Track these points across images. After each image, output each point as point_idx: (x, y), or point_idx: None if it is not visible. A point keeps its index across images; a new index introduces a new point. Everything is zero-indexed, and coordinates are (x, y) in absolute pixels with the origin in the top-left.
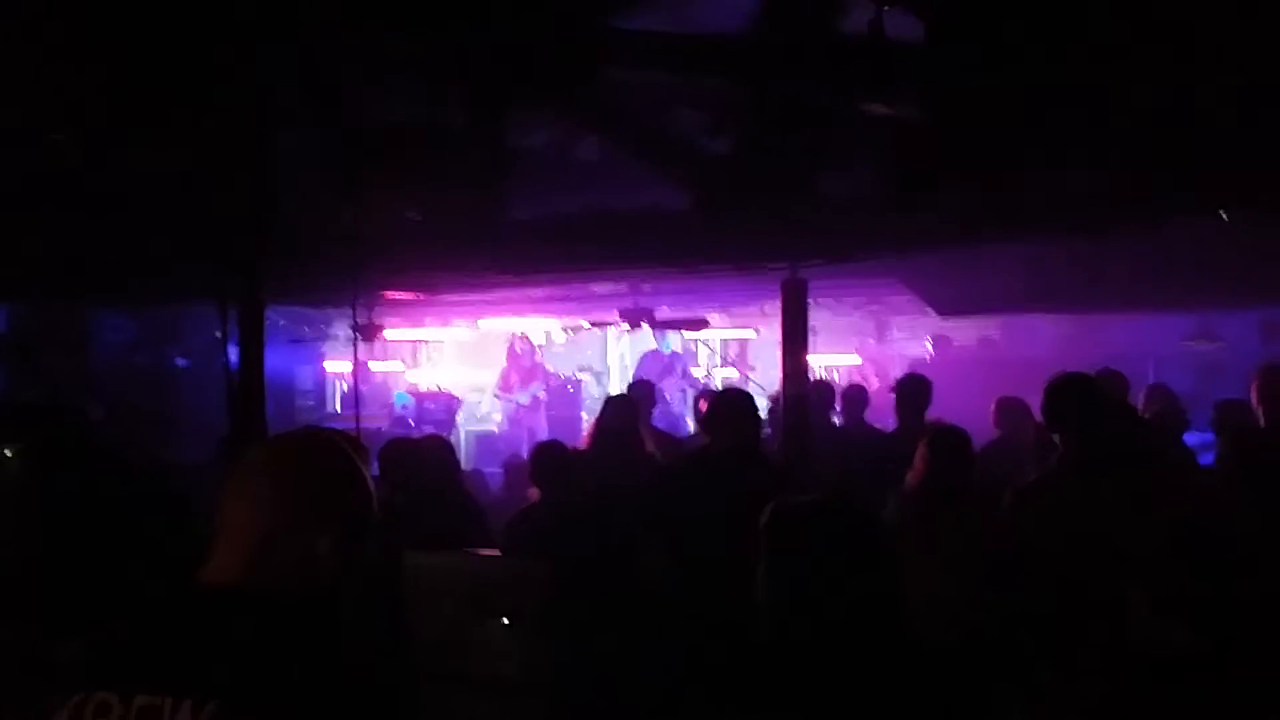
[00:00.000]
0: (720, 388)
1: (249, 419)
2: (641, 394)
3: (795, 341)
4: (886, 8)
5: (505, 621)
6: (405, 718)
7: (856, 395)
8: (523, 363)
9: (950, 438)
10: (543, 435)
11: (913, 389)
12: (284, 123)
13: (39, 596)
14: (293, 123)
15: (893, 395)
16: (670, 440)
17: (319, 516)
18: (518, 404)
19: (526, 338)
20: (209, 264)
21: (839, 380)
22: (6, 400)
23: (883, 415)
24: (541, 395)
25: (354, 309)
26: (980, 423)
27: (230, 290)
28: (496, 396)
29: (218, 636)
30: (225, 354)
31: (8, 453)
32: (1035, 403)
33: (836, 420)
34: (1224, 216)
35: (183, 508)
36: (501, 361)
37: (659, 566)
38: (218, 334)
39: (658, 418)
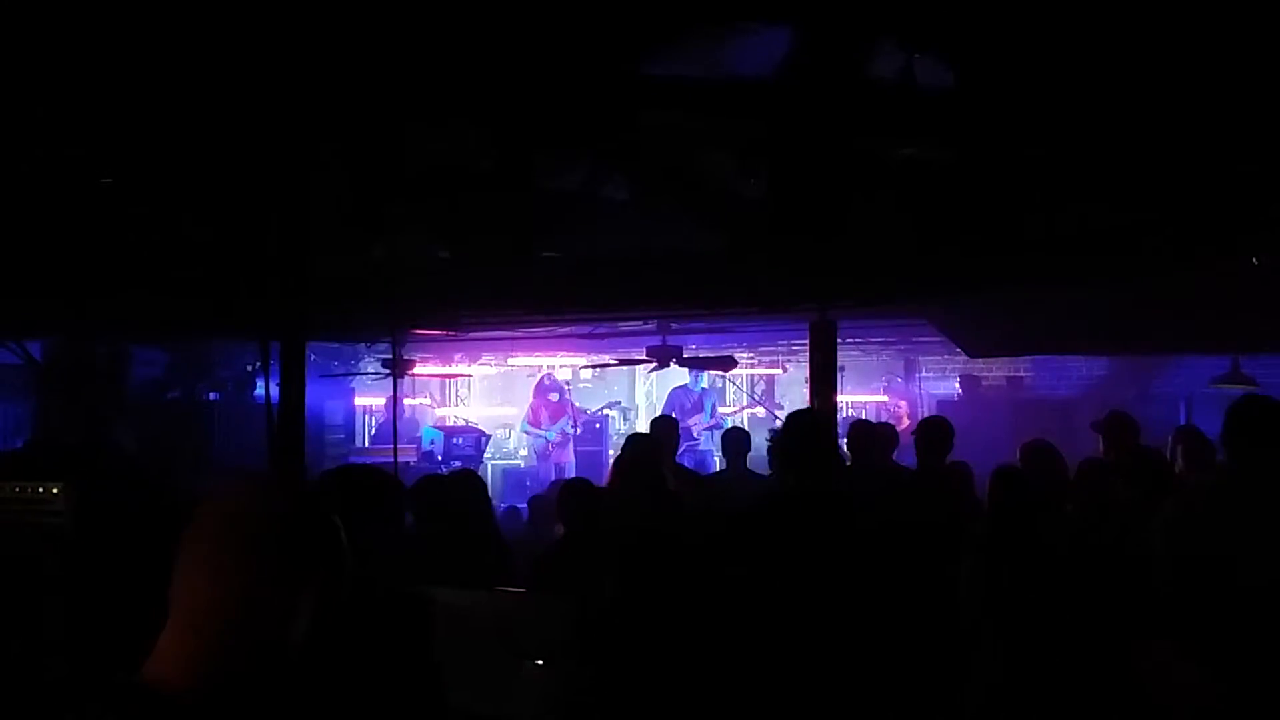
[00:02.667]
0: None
1: (290, 456)
2: (665, 431)
3: (824, 383)
4: (916, 55)
5: (539, 663)
6: None
7: (886, 435)
8: (551, 399)
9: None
10: (570, 472)
11: (934, 431)
12: (320, 164)
13: (83, 633)
14: (328, 164)
15: (913, 437)
16: (693, 478)
17: (292, 588)
18: (546, 440)
19: (552, 377)
20: (251, 301)
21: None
22: (47, 435)
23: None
24: (570, 432)
25: (393, 345)
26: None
27: (272, 327)
28: (525, 432)
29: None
30: (265, 391)
31: (54, 489)
32: (1067, 444)
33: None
34: (1255, 261)
35: None
36: (529, 397)
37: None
38: (249, 368)
39: (684, 454)
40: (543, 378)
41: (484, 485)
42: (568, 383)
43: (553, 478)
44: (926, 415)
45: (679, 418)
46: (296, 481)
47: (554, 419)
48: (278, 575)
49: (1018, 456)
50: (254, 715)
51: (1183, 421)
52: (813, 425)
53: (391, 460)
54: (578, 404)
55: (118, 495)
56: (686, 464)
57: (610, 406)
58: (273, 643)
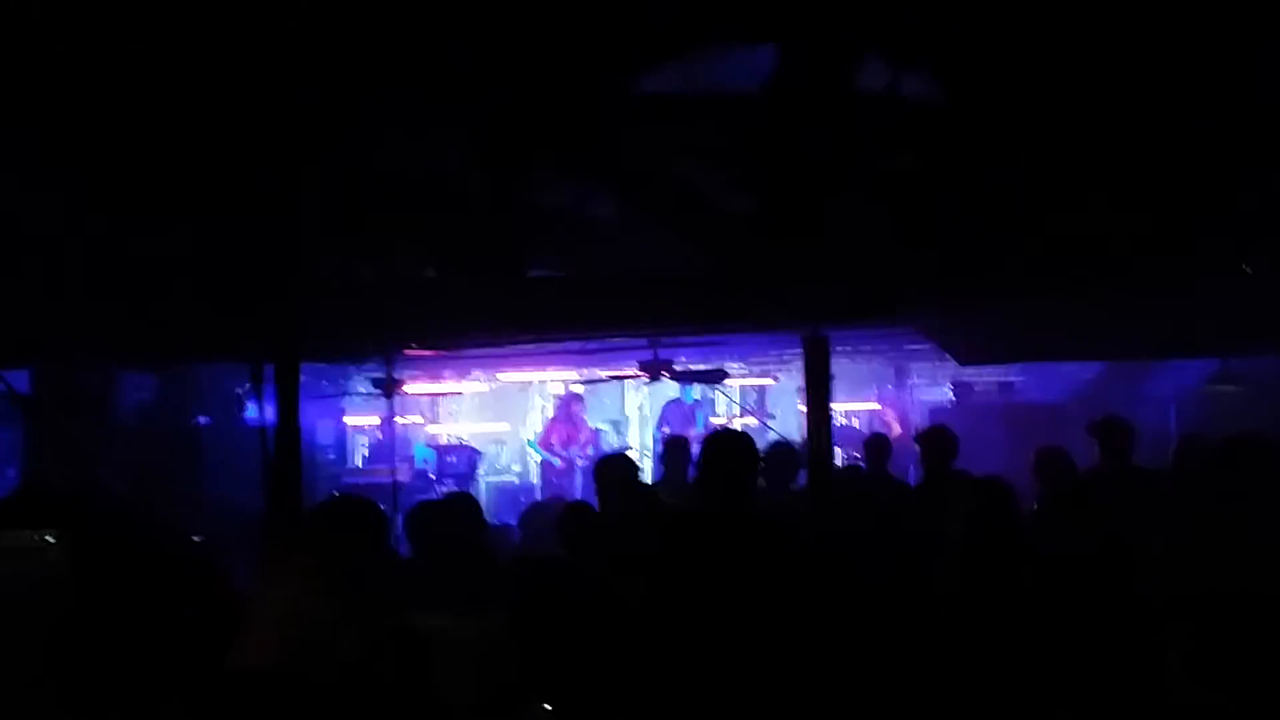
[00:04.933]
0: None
1: (287, 481)
2: (679, 451)
3: (819, 397)
4: (902, 70)
5: (547, 708)
6: None
7: (879, 444)
8: (571, 422)
9: None
10: (574, 494)
11: (938, 440)
12: (307, 185)
13: (79, 684)
14: (314, 184)
15: (917, 446)
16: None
17: (347, 608)
18: (551, 464)
19: (577, 394)
20: (241, 324)
21: (859, 427)
22: (36, 477)
23: (902, 462)
24: (579, 460)
25: (387, 366)
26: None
27: (265, 350)
28: (532, 446)
29: None
30: (260, 414)
31: (49, 539)
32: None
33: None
34: (1248, 270)
35: (221, 591)
36: (523, 412)
37: None
38: (238, 390)
39: None
40: (566, 398)
41: (479, 509)
42: (581, 399)
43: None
44: (929, 424)
45: (672, 432)
46: (349, 523)
47: (566, 444)
48: (335, 592)
49: (1032, 462)
50: (315, 701)
51: (1175, 425)
52: (731, 446)
53: (383, 480)
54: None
55: (112, 541)
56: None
57: (603, 421)
58: (327, 643)
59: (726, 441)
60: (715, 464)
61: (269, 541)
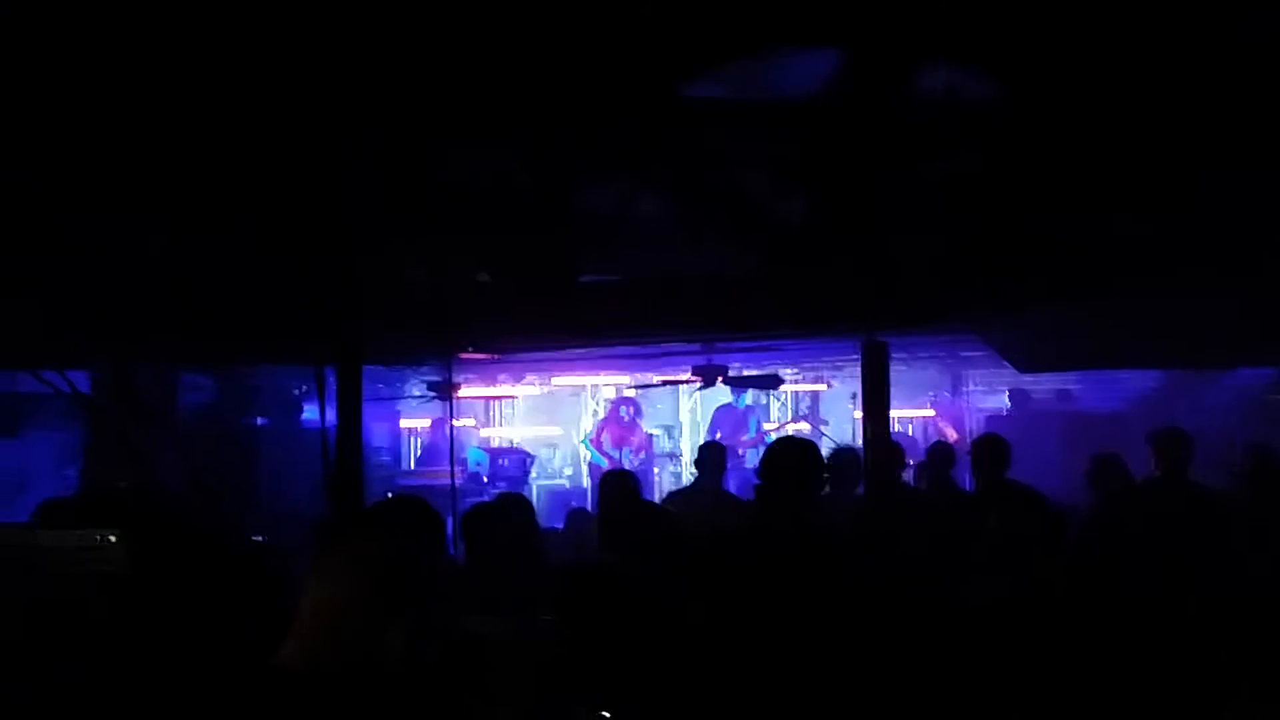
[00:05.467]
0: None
1: (349, 484)
2: (714, 455)
3: (878, 404)
4: (961, 70)
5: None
6: None
7: (944, 452)
8: (622, 422)
9: None
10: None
11: (991, 450)
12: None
13: (139, 678)
14: (369, 188)
15: (969, 456)
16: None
17: (392, 606)
18: (600, 465)
19: (632, 399)
20: (305, 327)
21: (913, 434)
22: (98, 476)
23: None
24: (631, 463)
25: (443, 369)
26: (1059, 480)
27: (325, 354)
28: (585, 444)
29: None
30: (321, 418)
31: (112, 538)
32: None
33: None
34: None
35: (277, 594)
36: (575, 416)
37: None
38: (296, 391)
39: (731, 474)
40: (618, 400)
41: (532, 510)
42: (635, 403)
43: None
44: (980, 432)
45: (725, 437)
46: (397, 526)
47: (619, 443)
48: (381, 595)
49: (1087, 471)
50: (356, 698)
51: (1240, 434)
52: (796, 456)
53: (437, 483)
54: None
55: (172, 541)
56: (732, 486)
57: (656, 426)
58: (372, 645)
59: (791, 451)
60: (779, 474)
61: (321, 540)
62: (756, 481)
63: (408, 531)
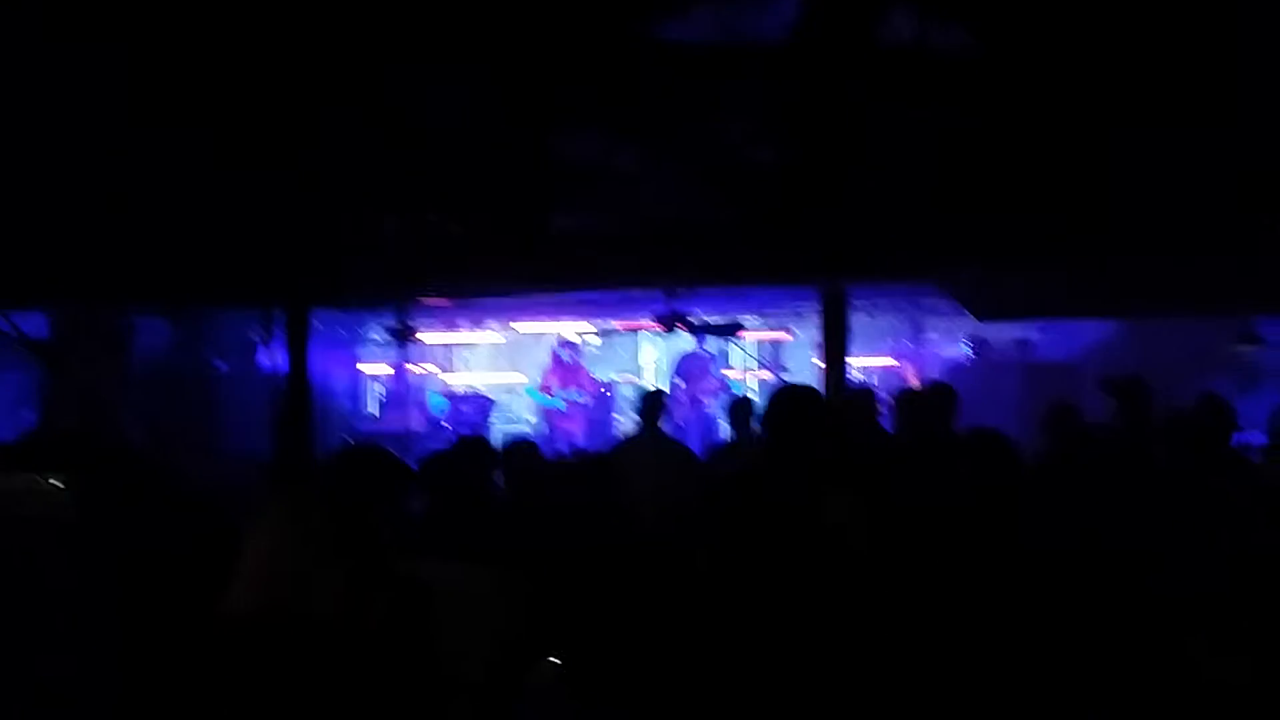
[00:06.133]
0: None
1: (296, 430)
2: (655, 405)
3: (836, 351)
4: (931, 19)
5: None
6: None
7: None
8: (565, 366)
9: None
10: (579, 441)
11: (939, 398)
12: (328, 130)
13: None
14: (336, 130)
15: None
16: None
17: (329, 556)
18: (554, 408)
19: (572, 342)
20: (253, 269)
21: (876, 383)
22: (49, 420)
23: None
24: (581, 400)
25: (403, 314)
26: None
27: (274, 297)
28: (530, 393)
29: (237, 670)
30: (269, 363)
31: (57, 484)
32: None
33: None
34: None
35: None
36: (538, 362)
37: None
38: (255, 336)
39: (692, 422)
40: (558, 343)
41: (494, 455)
42: (574, 344)
43: (560, 447)
44: (933, 381)
45: (688, 384)
46: (348, 474)
47: (564, 385)
48: (328, 548)
49: (1042, 418)
50: (296, 648)
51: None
52: (801, 402)
53: (397, 429)
54: (584, 364)
55: (123, 487)
56: (695, 433)
57: (617, 374)
58: (318, 597)
59: (795, 398)
60: (785, 424)
61: (268, 487)
62: (725, 428)
63: (361, 480)
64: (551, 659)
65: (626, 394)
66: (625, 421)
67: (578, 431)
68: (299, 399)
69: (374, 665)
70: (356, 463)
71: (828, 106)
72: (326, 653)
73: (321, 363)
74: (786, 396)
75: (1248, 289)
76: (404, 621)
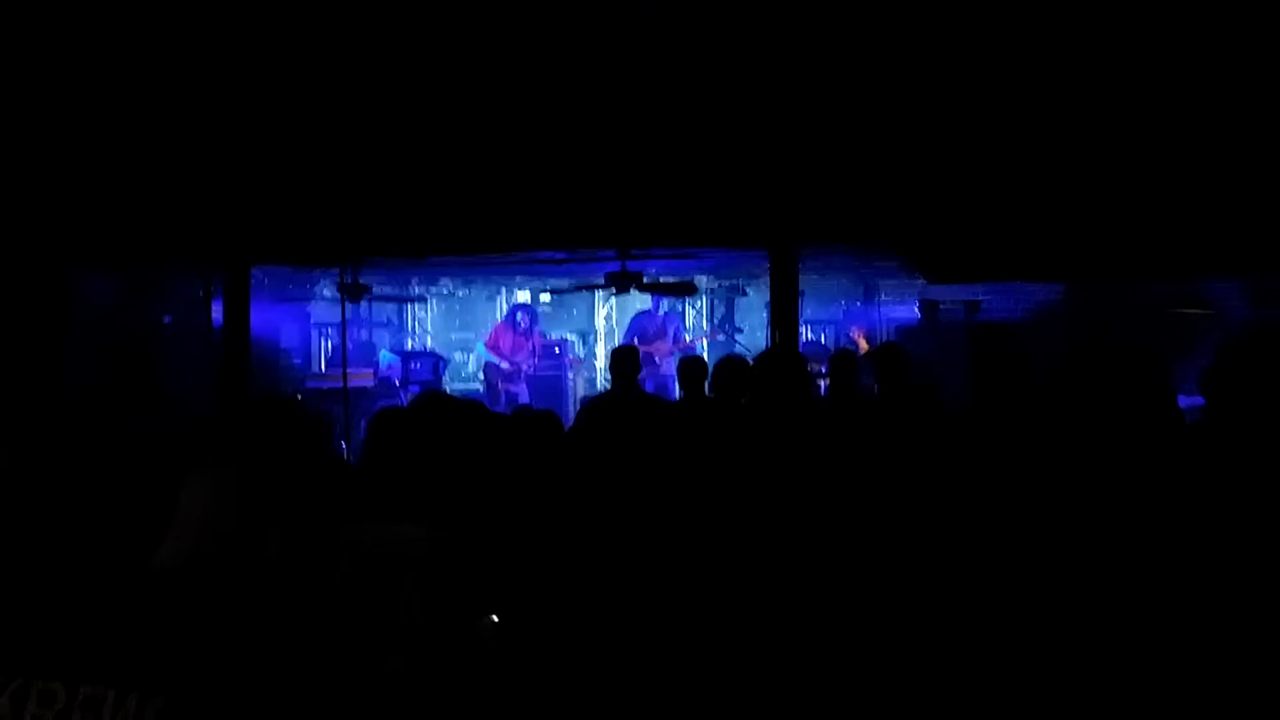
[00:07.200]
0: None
1: (234, 384)
2: (627, 361)
3: (786, 314)
4: None
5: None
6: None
7: (847, 360)
8: (519, 330)
9: None
10: (523, 401)
11: (891, 358)
12: (275, 86)
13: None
14: (284, 86)
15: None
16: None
17: (271, 512)
18: (498, 367)
19: (530, 308)
20: (195, 226)
21: (825, 342)
22: None
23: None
24: (525, 366)
25: (354, 271)
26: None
27: (215, 253)
28: (480, 349)
29: (167, 627)
30: (209, 319)
31: None
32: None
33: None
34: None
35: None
36: (493, 320)
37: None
38: (200, 292)
39: (646, 380)
40: (515, 307)
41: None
42: (531, 310)
43: (502, 407)
44: (883, 342)
45: (641, 343)
46: (274, 424)
47: (514, 350)
48: (260, 501)
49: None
50: (229, 597)
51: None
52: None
53: (349, 386)
54: (538, 331)
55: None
56: (648, 390)
57: (570, 332)
58: (250, 551)
59: (781, 359)
60: (771, 381)
61: (200, 442)
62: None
63: (277, 436)
64: (492, 617)
65: (578, 353)
66: (577, 381)
67: (520, 390)
68: (239, 354)
69: (306, 620)
70: (266, 415)
71: (780, 68)
72: (257, 607)
73: (270, 318)
74: (730, 363)
75: (1195, 251)
76: (338, 577)
